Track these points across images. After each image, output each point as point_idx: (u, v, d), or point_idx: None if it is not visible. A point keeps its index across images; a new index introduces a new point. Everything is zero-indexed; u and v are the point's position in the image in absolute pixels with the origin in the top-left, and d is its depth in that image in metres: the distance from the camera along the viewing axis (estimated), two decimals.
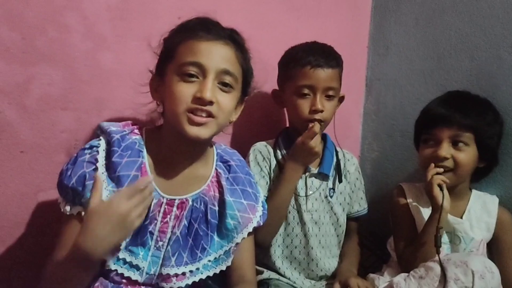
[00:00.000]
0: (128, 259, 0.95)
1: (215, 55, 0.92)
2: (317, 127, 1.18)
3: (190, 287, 1.00)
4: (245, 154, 1.29)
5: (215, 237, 1.01)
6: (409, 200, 1.29)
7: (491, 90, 1.27)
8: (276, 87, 1.34)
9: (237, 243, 1.02)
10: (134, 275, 0.95)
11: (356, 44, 1.67)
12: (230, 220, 1.00)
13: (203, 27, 0.94)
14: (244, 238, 1.03)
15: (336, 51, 1.28)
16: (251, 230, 1.04)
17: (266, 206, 1.11)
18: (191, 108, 0.90)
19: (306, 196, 1.28)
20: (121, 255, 0.94)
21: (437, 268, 1.04)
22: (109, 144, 0.94)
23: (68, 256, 0.83)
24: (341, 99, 1.33)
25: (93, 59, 1.16)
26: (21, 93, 1.09)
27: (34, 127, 1.12)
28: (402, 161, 1.58)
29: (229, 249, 1.02)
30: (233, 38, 0.97)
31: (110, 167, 0.91)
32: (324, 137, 1.35)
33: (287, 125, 1.39)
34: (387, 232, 1.37)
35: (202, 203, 1.00)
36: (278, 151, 1.31)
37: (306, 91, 1.22)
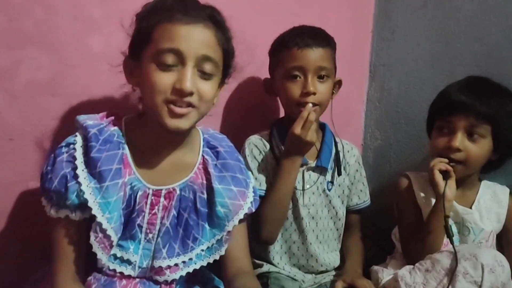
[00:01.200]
0: (119, 254, 0.92)
1: (194, 40, 0.87)
2: (307, 110, 1.12)
3: (186, 278, 0.98)
4: (239, 147, 1.25)
5: (206, 226, 0.98)
6: (416, 190, 1.25)
7: (501, 76, 1.22)
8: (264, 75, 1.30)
9: (228, 231, 0.99)
10: (127, 270, 0.94)
11: (359, 28, 1.63)
12: (220, 208, 0.97)
13: (180, 8, 0.88)
14: (235, 225, 1.00)
15: (326, 32, 1.23)
16: (242, 217, 1.00)
17: (257, 192, 1.07)
18: (171, 100, 0.86)
19: (302, 190, 1.24)
20: (112, 250, 0.91)
21: (444, 261, 1.01)
22: (86, 139, 0.90)
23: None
24: (339, 84, 1.28)
25: (83, 42, 1.11)
26: (9, 78, 1.05)
27: (23, 114, 1.07)
28: (407, 150, 1.55)
29: (221, 237, 0.99)
30: (213, 18, 0.91)
31: (90, 163, 0.87)
32: (322, 127, 1.30)
33: (282, 115, 1.35)
34: (389, 222, 1.35)
35: (191, 192, 0.97)
36: (273, 143, 1.26)
37: (296, 73, 1.16)
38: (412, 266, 1.08)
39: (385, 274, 1.16)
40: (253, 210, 1.04)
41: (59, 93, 1.10)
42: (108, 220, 0.86)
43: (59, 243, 0.89)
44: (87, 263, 0.92)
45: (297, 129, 1.11)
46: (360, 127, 1.72)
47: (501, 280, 0.95)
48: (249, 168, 1.21)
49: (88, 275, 0.93)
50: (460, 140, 1.12)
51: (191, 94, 0.86)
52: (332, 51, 1.22)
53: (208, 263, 1.00)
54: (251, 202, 1.03)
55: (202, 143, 1.02)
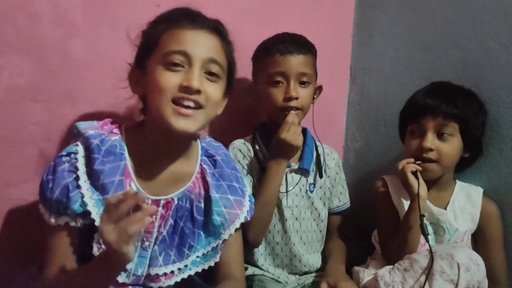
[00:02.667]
0: None
1: (201, 44, 0.89)
2: (291, 116, 1.16)
3: (177, 284, 0.98)
4: None
5: (202, 234, 0.98)
6: (392, 193, 1.28)
7: (477, 80, 1.26)
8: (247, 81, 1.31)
9: (224, 240, 1.00)
10: (121, 278, 0.93)
11: (340, 32, 1.65)
12: (216, 216, 0.97)
13: (187, 17, 0.91)
14: (231, 234, 1.01)
15: (307, 39, 1.26)
16: (238, 226, 1.02)
17: (253, 200, 1.08)
18: (177, 98, 0.86)
19: (286, 192, 1.26)
20: None
21: (422, 261, 1.03)
22: (88, 149, 0.89)
23: (93, 265, 0.81)
24: (319, 89, 1.31)
25: (65, 48, 1.11)
26: None
27: (3, 119, 1.07)
28: (386, 152, 1.57)
29: (217, 245, 1.00)
30: (218, 29, 0.94)
31: (93, 175, 0.87)
32: (304, 132, 1.32)
33: (263, 119, 1.36)
34: (370, 223, 1.37)
35: (188, 201, 0.97)
36: (257, 147, 1.28)
37: (278, 78, 1.20)
38: (391, 266, 1.10)
39: (365, 274, 1.18)
40: (249, 219, 1.05)
41: (40, 99, 1.10)
42: None
43: (54, 249, 0.89)
44: None
45: (283, 133, 1.14)
46: (341, 130, 1.74)
47: (477, 278, 0.98)
48: None
49: None
50: (430, 140, 1.16)
51: (198, 92, 0.87)
52: (313, 57, 1.25)
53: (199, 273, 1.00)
54: (247, 211, 1.04)
55: (200, 151, 1.03)
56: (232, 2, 1.37)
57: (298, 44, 1.21)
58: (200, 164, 1.01)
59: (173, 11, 0.94)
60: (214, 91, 0.91)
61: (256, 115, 1.44)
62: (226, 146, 1.26)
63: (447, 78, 1.29)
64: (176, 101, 0.87)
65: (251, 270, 1.24)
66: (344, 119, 1.73)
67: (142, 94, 0.95)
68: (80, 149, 0.90)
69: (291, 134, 1.14)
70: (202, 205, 0.98)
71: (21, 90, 1.08)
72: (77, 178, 0.87)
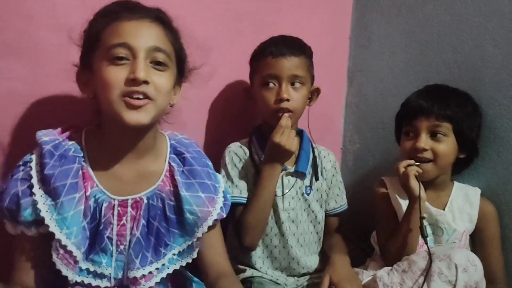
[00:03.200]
0: (91, 269, 0.92)
1: (143, 34, 0.87)
2: (285, 119, 1.15)
3: (165, 281, 0.98)
4: (219, 154, 1.26)
5: (177, 232, 0.97)
6: (391, 194, 1.28)
7: (473, 82, 1.27)
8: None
9: (198, 238, 0.98)
10: (102, 283, 0.93)
11: (337, 35, 1.65)
12: (189, 215, 0.96)
13: (126, 9, 0.89)
14: (204, 232, 0.99)
15: (302, 42, 1.26)
16: (211, 223, 0.99)
17: (228, 196, 1.06)
18: (126, 92, 0.84)
19: (282, 195, 1.26)
20: (84, 265, 0.91)
21: (420, 262, 1.04)
22: (40, 156, 0.88)
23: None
24: (317, 92, 1.30)
25: (62, 52, 1.09)
26: None
27: (1, 122, 1.07)
28: (384, 153, 1.58)
29: (192, 243, 0.99)
30: (159, 18, 0.91)
31: (44, 180, 0.86)
32: (300, 134, 1.33)
33: (257, 120, 1.36)
34: (369, 225, 1.37)
35: (159, 200, 0.96)
36: (253, 150, 1.28)
37: (270, 80, 1.20)
38: (390, 268, 1.10)
39: (364, 275, 1.18)
40: (224, 216, 1.02)
41: (37, 102, 1.10)
42: (68, 236, 0.85)
43: (16, 257, 0.90)
44: (62, 279, 0.90)
45: (276, 136, 1.14)
46: (339, 131, 1.74)
47: (474, 279, 0.98)
48: (229, 176, 1.23)
49: None
50: (424, 140, 1.18)
51: (146, 82, 0.85)
52: (307, 59, 1.24)
53: (188, 265, 1.00)
54: (220, 208, 1.01)
55: (168, 149, 1.01)
56: (229, 5, 1.37)
57: (292, 46, 1.21)
58: (169, 162, 0.99)
59: (112, 5, 0.91)
60: (163, 80, 0.88)
61: (253, 118, 1.45)
62: (223, 148, 1.28)
63: (444, 80, 1.31)
64: (126, 95, 0.85)
65: (249, 272, 1.24)
66: (342, 121, 1.74)
67: (93, 93, 0.92)
68: (34, 157, 0.89)
69: (285, 138, 1.14)
70: (174, 203, 0.96)
71: (18, 94, 1.07)
72: (30, 186, 0.86)
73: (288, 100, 1.18)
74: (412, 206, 1.15)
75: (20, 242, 0.89)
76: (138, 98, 0.85)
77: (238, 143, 1.29)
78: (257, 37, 1.27)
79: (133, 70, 0.84)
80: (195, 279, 1.08)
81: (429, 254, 1.02)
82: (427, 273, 1.01)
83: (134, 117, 0.85)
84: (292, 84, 1.21)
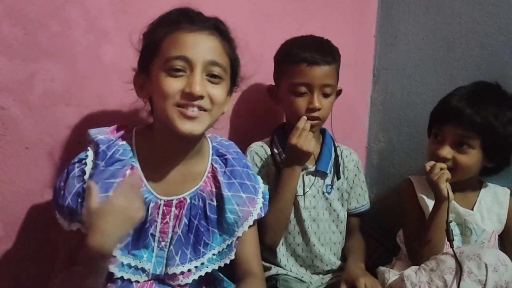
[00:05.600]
0: (133, 264, 0.95)
1: (201, 47, 0.88)
2: (302, 121, 1.15)
3: (198, 280, 1.00)
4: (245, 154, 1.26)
5: (217, 232, 1.00)
6: (418, 193, 1.27)
7: (502, 79, 1.25)
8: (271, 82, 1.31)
9: (238, 237, 1.01)
10: (141, 277, 0.96)
11: (363, 33, 1.65)
12: (229, 214, 0.98)
13: (186, 18, 0.90)
14: (245, 231, 1.01)
15: (332, 45, 1.24)
16: (251, 223, 1.02)
17: (267, 197, 1.08)
18: (181, 104, 0.87)
19: (303, 193, 1.26)
20: (125, 260, 0.93)
21: (449, 261, 1.03)
22: (96, 154, 0.91)
23: (80, 264, 0.81)
24: (339, 93, 1.30)
25: (95, 54, 1.14)
26: (25, 89, 1.08)
27: (38, 123, 1.10)
28: (410, 152, 1.57)
29: (231, 243, 1.01)
30: (218, 28, 0.93)
31: (93, 179, 0.88)
32: (322, 132, 1.33)
33: (284, 120, 1.36)
34: (394, 223, 1.37)
35: (200, 200, 0.98)
36: (274, 149, 1.28)
37: (302, 89, 1.18)
38: (417, 267, 1.10)
39: (391, 274, 1.18)
40: (262, 215, 1.05)
41: (72, 103, 1.13)
42: None
43: (66, 252, 0.92)
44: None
45: (293, 138, 1.14)
46: (364, 130, 1.74)
47: (505, 279, 0.97)
48: None
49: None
50: (447, 150, 1.15)
51: (201, 97, 0.87)
52: (337, 65, 1.23)
53: (219, 266, 1.02)
54: (260, 208, 1.04)
55: (211, 151, 1.03)
56: (255, 6, 1.38)
57: (325, 53, 1.19)
58: (211, 163, 1.01)
59: (172, 12, 0.93)
60: (217, 93, 0.90)
61: (275, 117, 1.46)
62: (245, 148, 1.28)
63: (472, 77, 1.29)
64: (181, 106, 0.87)
65: (274, 269, 1.26)
66: (367, 120, 1.73)
67: (148, 97, 0.95)
68: (90, 154, 0.92)
69: (302, 140, 1.13)
70: (215, 203, 0.99)
71: (54, 95, 1.11)
72: (84, 182, 0.89)
73: (319, 109, 1.19)
74: (439, 206, 1.13)
75: (72, 238, 0.91)
76: (193, 110, 0.87)
77: (259, 143, 1.30)
78: (283, 37, 1.27)
79: (189, 84, 0.86)
80: (226, 279, 1.10)
81: (456, 257, 1.01)
82: (456, 272, 1.00)
83: (188, 127, 0.88)
84: (323, 92, 1.20)
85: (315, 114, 1.19)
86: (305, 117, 1.16)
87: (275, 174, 1.25)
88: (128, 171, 0.92)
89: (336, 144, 1.35)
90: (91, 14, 1.12)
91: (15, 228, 1.13)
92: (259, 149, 1.28)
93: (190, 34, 0.88)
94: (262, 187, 1.08)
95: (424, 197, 1.25)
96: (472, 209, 1.21)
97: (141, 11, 1.18)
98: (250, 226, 1.02)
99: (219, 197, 0.99)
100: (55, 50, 1.09)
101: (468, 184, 1.22)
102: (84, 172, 0.90)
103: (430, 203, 1.22)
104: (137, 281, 0.95)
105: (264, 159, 1.27)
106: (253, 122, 1.45)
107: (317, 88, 1.18)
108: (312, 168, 1.28)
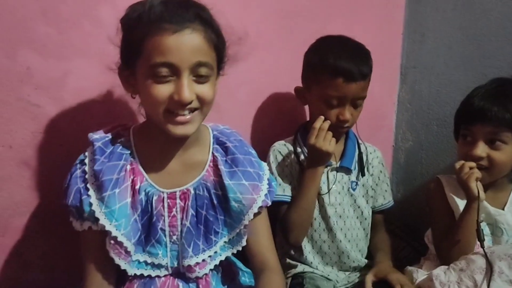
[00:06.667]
0: (149, 261, 0.97)
1: (185, 50, 0.83)
2: (319, 121, 1.14)
3: (217, 272, 1.03)
4: (266, 153, 1.28)
5: (225, 219, 1.00)
6: (447, 193, 1.25)
7: None
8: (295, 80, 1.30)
9: (245, 225, 1.01)
10: (161, 272, 0.98)
11: (390, 31, 1.64)
12: (234, 203, 0.97)
13: (166, 15, 0.83)
14: (251, 219, 1.00)
15: (369, 53, 1.22)
16: (256, 210, 1.00)
17: (274, 183, 1.07)
18: (171, 110, 0.86)
19: (328, 190, 1.26)
20: (142, 258, 0.96)
21: (479, 261, 1.01)
22: (92, 153, 0.93)
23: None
24: None
25: None
26: (59, 87, 1.11)
27: (73, 120, 1.14)
28: (438, 151, 1.55)
29: (240, 231, 1.01)
30: (200, 18, 0.86)
31: (94, 175, 0.90)
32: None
33: (307, 119, 1.36)
34: (421, 223, 1.35)
35: (205, 189, 0.98)
36: (298, 148, 1.28)
37: (335, 102, 1.18)
38: (446, 266, 1.08)
39: (419, 274, 1.16)
40: (269, 203, 1.03)
41: (104, 100, 1.16)
42: (117, 227, 0.89)
43: (86, 253, 0.94)
44: (123, 274, 0.96)
45: (312, 138, 1.14)
46: (391, 129, 1.73)
47: None
48: (273, 174, 1.22)
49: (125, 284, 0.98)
50: (481, 149, 1.13)
51: (190, 102, 0.86)
52: (371, 75, 1.21)
53: (237, 254, 1.03)
54: (265, 195, 1.02)
55: (211, 140, 1.02)
56: (280, 4, 1.39)
57: (363, 67, 1.17)
58: (212, 153, 1.01)
59: (152, 5, 0.85)
60: (206, 91, 0.88)
61: (299, 116, 1.46)
62: (268, 147, 1.30)
63: (503, 75, 1.25)
64: (171, 111, 0.86)
65: (300, 267, 1.26)
66: (394, 118, 1.72)
67: (135, 92, 0.92)
68: (87, 154, 0.94)
69: (320, 140, 1.13)
70: (220, 192, 0.98)
71: (87, 92, 1.14)
72: (86, 181, 0.91)
73: (348, 120, 1.19)
74: (470, 206, 1.12)
75: (86, 238, 0.94)
76: (184, 115, 0.87)
77: (282, 141, 1.31)
78: (309, 35, 1.27)
79: (177, 91, 0.84)
80: (244, 268, 1.12)
81: (487, 258, 1.00)
82: (486, 272, 0.98)
83: (181, 130, 0.88)
84: (354, 104, 1.20)
85: (345, 124, 1.20)
86: (322, 117, 1.16)
87: (299, 172, 1.25)
88: (128, 166, 0.93)
89: (360, 141, 1.35)
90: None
91: (51, 222, 1.16)
92: (282, 148, 1.29)
93: (173, 36, 0.83)
94: (267, 174, 1.05)
95: (454, 196, 1.23)
96: (503, 209, 1.19)
97: None
98: (255, 214, 1.01)
99: (222, 186, 0.98)
100: (87, 49, 1.12)
101: (499, 184, 1.20)
102: (85, 172, 0.92)
103: (459, 203, 1.20)
104: (158, 276, 0.98)
105: (287, 158, 1.27)
106: (277, 122, 1.46)
107: (349, 100, 1.18)
108: (336, 164, 1.28)
